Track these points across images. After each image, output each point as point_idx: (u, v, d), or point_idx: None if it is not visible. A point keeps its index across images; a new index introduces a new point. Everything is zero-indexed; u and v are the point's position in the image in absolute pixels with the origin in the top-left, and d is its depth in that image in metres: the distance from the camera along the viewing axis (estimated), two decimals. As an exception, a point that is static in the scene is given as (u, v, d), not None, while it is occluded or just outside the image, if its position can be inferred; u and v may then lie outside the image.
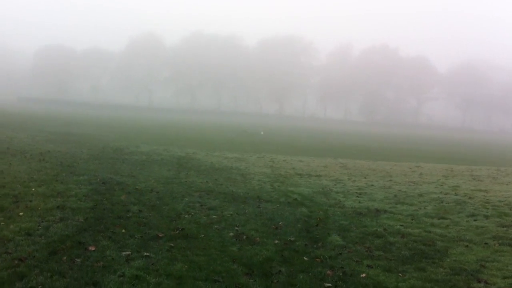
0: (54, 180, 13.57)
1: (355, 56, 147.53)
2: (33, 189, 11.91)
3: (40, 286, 6.16)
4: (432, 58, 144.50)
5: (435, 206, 13.58)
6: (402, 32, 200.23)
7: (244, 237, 9.18)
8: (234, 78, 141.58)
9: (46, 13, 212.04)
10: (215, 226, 9.86)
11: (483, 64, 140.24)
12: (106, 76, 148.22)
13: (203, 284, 6.65)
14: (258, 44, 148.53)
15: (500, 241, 9.74)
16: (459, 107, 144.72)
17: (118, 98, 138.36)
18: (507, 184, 19.20)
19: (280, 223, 10.55)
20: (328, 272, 7.44)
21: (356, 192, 15.67)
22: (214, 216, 10.76)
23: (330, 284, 6.97)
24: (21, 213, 9.47)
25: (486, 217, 12.12)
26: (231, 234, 9.35)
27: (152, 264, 7.22)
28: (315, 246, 8.88)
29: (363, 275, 7.39)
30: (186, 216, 10.60)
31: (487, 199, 14.79)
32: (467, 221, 11.66)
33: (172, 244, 8.29)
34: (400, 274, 7.52)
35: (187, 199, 12.53)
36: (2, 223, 8.69)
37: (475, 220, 11.71)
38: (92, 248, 7.68)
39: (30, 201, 10.60)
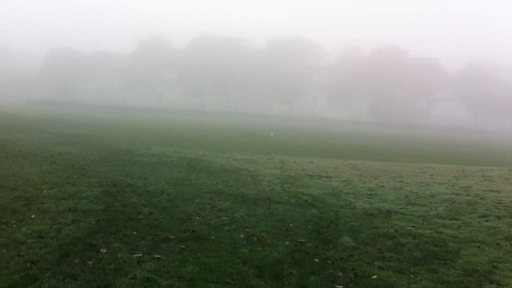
0: (65, 182, 13.64)
1: (364, 57, 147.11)
2: (45, 192, 11.98)
3: (52, 289, 6.20)
4: (441, 59, 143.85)
5: (446, 207, 13.51)
6: (410, 33, 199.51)
7: (255, 238, 9.18)
8: (243, 79, 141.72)
9: (55, 16, 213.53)
10: (226, 228, 9.86)
11: (492, 65, 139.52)
12: (115, 78, 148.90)
13: (214, 286, 6.66)
14: (266, 46, 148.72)
15: (512, 242, 9.69)
16: (469, 108, 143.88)
17: (127, 100, 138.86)
18: (519, 185, 19.05)
19: (291, 224, 10.54)
20: (339, 273, 7.42)
21: (367, 193, 15.62)
22: (224, 218, 10.77)
23: (341, 286, 6.95)
24: (33, 216, 9.52)
25: (498, 217, 12.03)
26: (242, 235, 9.35)
27: (163, 266, 7.24)
28: (326, 247, 8.86)
29: (375, 276, 7.36)
30: (196, 218, 10.61)
31: (499, 200, 14.67)
32: (478, 221, 11.58)
33: (183, 246, 8.31)
34: (411, 276, 7.49)
35: (197, 201, 12.55)
36: (14, 226, 8.74)
37: (487, 221, 11.63)
38: (103, 251, 7.71)
39: (42, 203, 10.66)
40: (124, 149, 25.88)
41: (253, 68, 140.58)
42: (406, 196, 15.19)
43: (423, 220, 11.57)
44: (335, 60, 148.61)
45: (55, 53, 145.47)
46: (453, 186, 17.86)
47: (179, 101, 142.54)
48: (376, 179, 19.63)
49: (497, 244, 9.50)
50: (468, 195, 15.51)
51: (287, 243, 9.02)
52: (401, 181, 19.05)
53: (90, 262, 7.15)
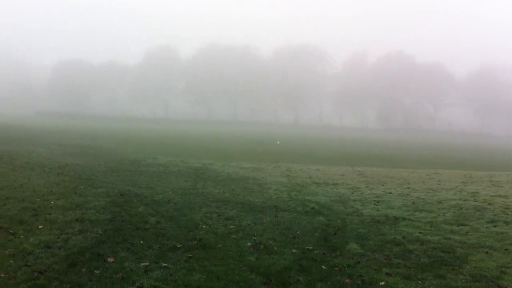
0: (72, 193, 13.68)
1: (371, 63, 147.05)
2: (52, 202, 12.02)
3: (60, 298, 6.22)
4: (448, 64, 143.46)
5: (454, 212, 13.46)
6: (415, 38, 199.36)
7: (262, 246, 9.18)
8: (249, 88, 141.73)
9: (62, 28, 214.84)
10: (233, 236, 9.87)
11: (498, 69, 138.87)
12: (123, 89, 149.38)
13: (221, 294, 6.67)
14: (273, 54, 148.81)
15: (521, 247, 9.63)
16: (476, 113, 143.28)
17: (134, 111, 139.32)
18: (527, 189, 18.95)
19: (298, 232, 10.54)
20: (347, 280, 7.41)
21: (374, 200, 15.59)
22: (231, 226, 10.78)
23: (349, 293, 6.94)
24: (40, 226, 9.56)
25: (506, 223, 11.98)
26: (249, 243, 9.35)
27: (170, 275, 7.25)
28: (333, 254, 8.85)
29: (382, 283, 7.35)
30: (203, 226, 10.62)
31: (507, 205, 14.61)
32: (486, 227, 11.54)
33: (190, 255, 8.32)
34: (419, 282, 7.47)
35: (204, 210, 12.57)
36: (22, 236, 8.79)
37: (495, 226, 11.59)
38: (111, 260, 7.74)
39: (49, 214, 10.70)
40: (131, 159, 25.94)
41: (259, 76, 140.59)
42: (413, 203, 15.16)
43: (431, 226, 11.54)
44: (342, 66, 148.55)
45: (63, 64, 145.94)
46: (460, 191, 17.80)
47: (186, 110, 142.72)
48: (383, 185, 19.59)
49: (506, 249, 9.46)
50: (476, 201, 15.45)
51: (294, 250, 9.01)
52: (408, 188, 19.00)
53: (97, 271, 7.18)
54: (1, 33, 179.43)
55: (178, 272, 7.38)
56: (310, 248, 9.24)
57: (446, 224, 11.82)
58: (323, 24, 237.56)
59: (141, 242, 8.94)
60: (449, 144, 79.05)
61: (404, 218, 12.50)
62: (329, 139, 76.75)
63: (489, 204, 14.83)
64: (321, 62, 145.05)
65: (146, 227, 10.17)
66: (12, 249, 7.97)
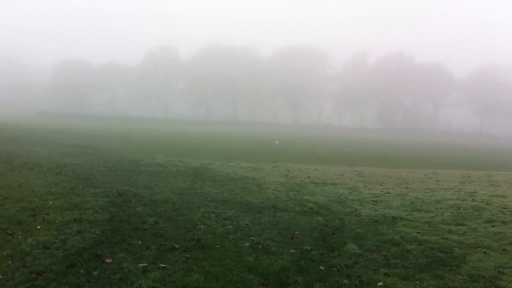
0: (71, 193, 13.68)
1: (371, 64, 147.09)
2: (50, 202, 12.02)
3: (57, 299, 6.22)
4: (448, 64, 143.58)
5: (452, 212, 13.47)
6: (415, 38, 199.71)
7: (260, 247, 9.18)
8: (249, 88, 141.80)
9: (62, 28, 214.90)
10: (231, 236, 9.87)
11: (498, 69, 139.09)
12: (123, 89, 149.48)
13: (219, 295, 6.67)
14: (273, 54, 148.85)
15: (518, 247, 9.64)
16: (476, 113, 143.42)
17: (134, 111, 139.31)
18: (525, 189, 18.97)
19: (296, 232, 10.54)
20: (345, 281, 7.41)
21: (372, 200, 15.60)
22: (230, 226, 10.78)
23: (346, 293, 6.95)
24: (38, 227, 9.57)
25: (504, 223, 11.99)
26: (247, 244, 9.35)
27: (169, 275, 7.25)
28: (331, 255, 8.85)
29: (380, 283, 7.35)
30: (202, 226, 10.62)
31: (505, 205, 14.62)
32: (484, 227, 11.55)
33: (188, 255, 8.32)
34: (417, 282, 7.47)
35: (202, 210, 12.57)
36: (20, 237, 8.79)
37: (492, 226, 11.60)
38: (109, 261, 7.74)
39: (48, 214, 10.70)
40: (130, 159, 25.94)
41: (260, 77, 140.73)
42: (411, 202, 15.17)
43: (429, 226, 11.55)
44: (342, 67, 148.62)
45: (63, 65, 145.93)
46: (459, 191, 17.81)
47: (186, 111, 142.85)
48: (381, 185, 19.61)
49: (503, 249, 9.47)
50: (474, 201, 15.47)
51: (292, 251, 9.01)
52: (407, 187, 19.01)
53: (96, 272, 7.18)
54: (1, 34, 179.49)
55: (176, 273, 7.37)
56: (308, 248, 9.24)
57: (444, 224, 11.84)
58: (323, 24, 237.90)
59: (139, 242, 8.94)
60: (448, 144, 79.14)
61: (402, 218, 12.51)
62: (328, 139, 76.79)
63: (487, 204, 14.84)
64: (321, 63, 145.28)
65: (144, 227, 10.17)
66: (10, 250, 7.97)
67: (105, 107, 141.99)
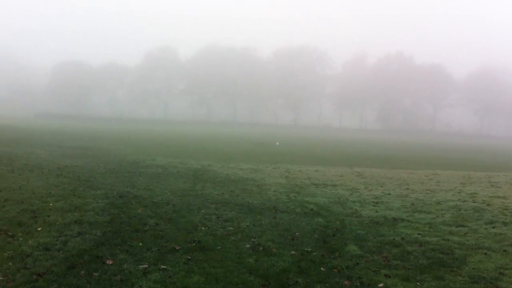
0: (71, 195, 13.69)
1: (370, 64, 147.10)
2: (51, 204, 12.02)
3: (58, 301, 6.22)
4: (448, 65, 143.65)
5: (453, 214, 13.47)
6: (414, 39, 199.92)
7: (261, 248, 9.18)
8: (249, 89, 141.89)
9: (61, 29, 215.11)
10: (232, 238, 9.87)
11: (498, 69, 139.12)
12: (122, 89, 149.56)
13: (220, 297, 6.67)
14: (273, 55, 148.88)
15: (519, 248, 9.64)
16: (475, 113, 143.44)
17: (134, 112, 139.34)
18: (526, 190, 18.96)
19: (297, 233, 10.54)
20: (346, 282, 7.41)
21: (373, 201, 15.60)
22: (230, 228, 10.78)
23: (347, 295, 6.95)
24: (39, 228, 9.57)
25: (505, 224, 11.99)
26: (248, 245, 9.35)
27: (169, 277, 7.26)
28: (332, 256, 8.85)
29: (381, 285, 7.35)
30: (202, 228, 10.62)
31: (506, 206, 14.63)
32: (485, 228, 11.55)
33: (189, 257, 8.32)
34: (418, 283, 7.47)
35: (203, 211, 12.57)
36: (20, 238, 8.79)
37: (493, 227, 11.60)
38: (109, 262, 7.74)
39: (48, 216, 10.71)
40: (130, 160, 25.93)
41: (259, 77, 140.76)
42: (412, 204, 15.17)
43: (430, 228, 11.55)
44: (342, 67, 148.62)
45: (63, 66, 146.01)
46: (459, 192, 17.81)
47: (186, 111, 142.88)
48: (382, 186, 19.60)
49: (504, 250, 9.47)
50: (475, 202, 15.47)
51: (293, 252, 9.01)
52: (407, 189, 19.01)
53: (96, 274, 7.18)
54: (1, 34, 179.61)
55: (177, 274, 7.38)
56: (309, 249, 9.24)
57: (445, 225, 11.84)
58: (323, 25, 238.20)
59: (140, 244, 8.94)
60: (448, 144, 79.16)
61: (403, 219, 12.50)
62: (328, 140, 76.80)
63: (488, 205, 14.84)
64: (321, 63, 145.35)
65: (145, 229, 10.17)
66: (11, 252, 7.98)
67: (104, 108, 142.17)
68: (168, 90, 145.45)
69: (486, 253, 9.26)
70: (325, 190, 18.05)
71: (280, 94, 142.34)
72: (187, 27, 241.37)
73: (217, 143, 52.19)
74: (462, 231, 11.25)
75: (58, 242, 8.71)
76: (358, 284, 7.35)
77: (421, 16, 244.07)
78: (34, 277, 6.90)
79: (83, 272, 7.23)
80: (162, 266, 7.69)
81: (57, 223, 10.07)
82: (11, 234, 8.99)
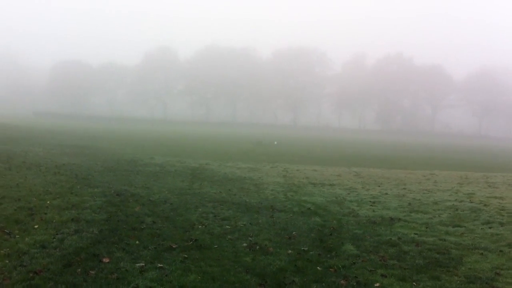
0: (69, 193, 13.68)
1: (370, 65, 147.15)
2: (48, 202, 12.02)
3: (54, 298, 6.23)
4: (447, 66, 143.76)
5: (449, 214, 13.49)
6: (413, 40, 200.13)
7: (258, 247, 9.19)
8: (248, 89, 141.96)
9: (60, 29, 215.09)
10: (229, 237, 9.87)
11: (497, 70, 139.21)
12: (122, 90, 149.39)
13: (216, 295, 6.67)
14: (272, 56, 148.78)
15: (515, 248, 9.66)
16: (474, 114, 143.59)
17: (133, 111, 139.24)
18: (523, 191, 18.99)
19: (294, 232, 10.54)
20: (342, 282, 7.42)
21: (370, 201, 15.61)
22: (227, 227, 10.78)
23: (343, 294, 6.95)
24: (36, 226, 9.57)
25: (502, 224, 12.02)
26: (245, 244, 9.36)
27: (166, 275, 7.26)
28: (328, 255, 8.86)
29: (377, 284, 7.37)
30: (199, 226, 10.63)
31: (503, 206, 14.66)
32: (482, 228, 11.57)
33: (185, 255, 8.32)
34: (414, 283, 7.49)
35: (200, 210, 12.57)
36: (17, 236, 8.79)
37: (490, 228, 11.62)
38: (106, 260, 7.74)
39: (45, 213, 10.70)
40: (128, 159, 25.92)
41: (259, 78, 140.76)
42: (409, 204, 15.19)
43: (426, 228, 11.56)
44: (341, 68, 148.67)
45: (62, 65, 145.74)
46: (456, 193, 17.85)
47: (185, 111, 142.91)
48: (379, 186, 19.62)
49: (500, 251, 9.49)
50: (472, 202, 15.51)
51: (290, 251, 9.02)
52: (405, 188, 19.03)
53: (93, 272, 7.18)
54: (1, 35, 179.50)
55: (174, 273, 7.38)
56: (306, 249, 9.25)
57: (442, 225, 11.85)
58: (322, 26, 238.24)
59: (137, 242, 8.94)
60: (446, 145, 79.23)
61: (399, 219, 12.52)
62: (327, 140, 76.83)
63: (485, 205, 14.87)
64: (320, 64, 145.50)
65: (142, 227, 10.17)
66: (8, 249, 7.97)
67: (104, 108, 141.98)
68: (168, 90, 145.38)
69: (482, 253, 9.28)
70: (322, 190, 18.06)
71: (279, 95, 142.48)
72: (187, 27, 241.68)
73: (216, 143, 52.18)
74: (459, 231, 11.26)
75: (55, 240, 8.71)
76: (355, 284, 7.36)
77: (421, 17, 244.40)
78: (31, 274, 6.90)
79: (79, 270, 7.23)
80: (159, 265, 7.70)
81: (54, 221, 10.07)
82: (7, 232, 8.98)
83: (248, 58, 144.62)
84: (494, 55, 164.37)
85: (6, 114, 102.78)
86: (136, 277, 7.10)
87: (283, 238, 10.05)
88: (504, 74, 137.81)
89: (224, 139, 61.86)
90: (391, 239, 10.26)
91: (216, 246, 9.10)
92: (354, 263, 8.43)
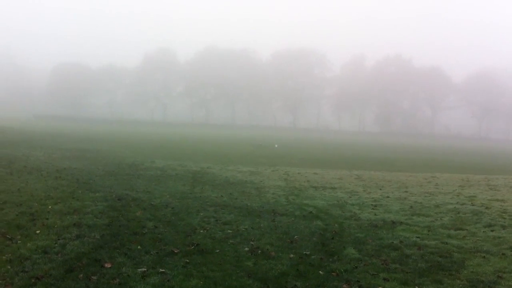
0: (70, 197, 13.68)
1: (369, 67, 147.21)
2: (50, 207, 12.02)
3: (57, 304, 6.22)
4: (446, 67, 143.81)
5: (451, 217, 13.48)
6: (413, 41, 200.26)
7: (259, 251, 9.18)
8: (248, 91, 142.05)
9: (59, 31, 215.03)
10: (230, 241, 9.86)
11: (497, 72, 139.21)
12: (121, 91, 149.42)
13: (218, 300, 6.66)
14: (272, 57, 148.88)
15: (518, 251, 9.65)
16: (475, 116, 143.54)
17: (133, 113, 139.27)
18: (524, 193, 18.97)
19: (295, 236, 10.53)
20: (344, 286, 7.41)
21: (372, 204, 15.59)
22: (229, 231, 10.77)
23: (346, 298, 6.94)
24: (38, 231, 9.56)
25: (503, 227, 12.00)
26: (246, 248, 9.35)
27: (168, 280, 7.25)
28: (330, 259, 8.84)
29: (379, 288, 7.36)
30: (201, 231, 10.62)
31: (504, 209, 14.64)
32: (484, 231, 11.55)
33: (187, 260, 8.32)
34: (416, 287, 7.48)
35: (202, 214, 12.56)
36: (19, 241, 8.79)
37: (492, 231, 11.60)
38: (108, 265, 7.74)
39: (47, 218, 10.70)
40: (129, 163, 25.91)
41: (258, 79, 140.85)
42: (411, 207, 15.16)
43: (428, 231, 11.54)
44: (340, 70, 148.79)
45: (62, 67, 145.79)
46: (458, 195, 17.83)
47: (185, 113, 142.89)
48: (381, 189, 19.60)
49: (503, 254, 9.47)
50: (473, 205, 15.48)
51: (291, 255, 9.01)
52: (406, 191, 19.00)
53: (95, 277, 7.18)
54: (0, 36, 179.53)
55: (176, 278, 7.38)
56: (308, 253, 9.24)
57: (444, 229, 11.83)
58: (322, 27, 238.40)
59: (139, 247, 8.94)
60: (446, 147, 79.21)
61: (401, 223, 12.50)
62: (327, 142, 76.81)
63: (487, 208, 14.85)
64: (320, 66, 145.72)
65: (144, 232, 10.17)
66: (9, 255, 7.97)
67: (103, 110, 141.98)
68: (167, 92, 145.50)
69: (484, 257, 9.26)
70: (324, 193, 18.04)
71: (279, 96, 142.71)
72: (186, 29, 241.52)
73: (216, 145, 52.17)
74: (461, 234, 11.25)
75: (56, 245, 8.71)
76: (357, 288, 7.36)
77: (420, 19, 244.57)
78: (33, 280, 6.90)
79: (81, 275, 7.23)
80: (161, 270, 7.69)
81: (56, 226, 10.06)
82: (9, 237, 8.99)
83: (247, 59, 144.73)
84: (494, 57, 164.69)
85: (7, 117, 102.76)
86: (138, 283, 7.10)
87: (285, 242, 10.04)
88: (504, 76, 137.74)
89: (224, 141, 61.85)
90: (393, 242, 10.24)
91: (218, 250, 9.09)
92: (356, 267, 8.42)
